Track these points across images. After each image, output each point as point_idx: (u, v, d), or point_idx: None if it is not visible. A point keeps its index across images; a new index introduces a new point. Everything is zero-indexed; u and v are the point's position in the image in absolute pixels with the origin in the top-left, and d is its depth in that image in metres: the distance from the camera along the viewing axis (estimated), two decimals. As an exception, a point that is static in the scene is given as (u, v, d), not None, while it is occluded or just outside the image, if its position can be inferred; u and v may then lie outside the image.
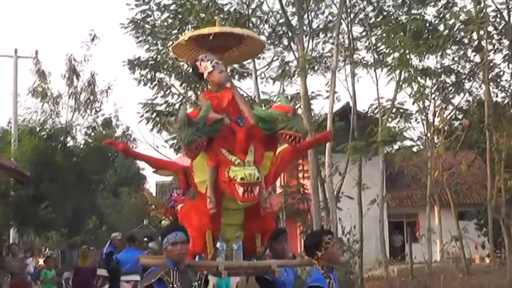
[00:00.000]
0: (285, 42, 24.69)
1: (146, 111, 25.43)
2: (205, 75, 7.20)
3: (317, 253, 6.46)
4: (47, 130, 32.51)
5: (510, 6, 24.03)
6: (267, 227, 7.20)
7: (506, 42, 24.56)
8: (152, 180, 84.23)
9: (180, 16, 24.43)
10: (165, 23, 24.88)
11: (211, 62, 7.16)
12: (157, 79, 25.69)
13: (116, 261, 17.41)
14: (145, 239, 20.00)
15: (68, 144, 33.10)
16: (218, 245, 6.77)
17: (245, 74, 25.99)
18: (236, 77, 26.00)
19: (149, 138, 34.23)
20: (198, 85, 25.04)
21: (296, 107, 18.99)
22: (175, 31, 24.70)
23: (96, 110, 33.13)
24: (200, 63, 7.24)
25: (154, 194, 31.74)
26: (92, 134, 34.10)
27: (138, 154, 8.55)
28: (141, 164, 59.64)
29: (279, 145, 7.27)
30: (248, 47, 7.68)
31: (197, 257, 6.84)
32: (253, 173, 6.31)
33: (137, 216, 50.34)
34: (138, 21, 24.81)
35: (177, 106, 25.46)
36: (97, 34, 32.58)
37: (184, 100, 25.82)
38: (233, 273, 7.18)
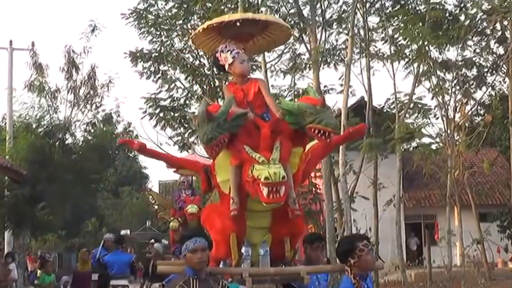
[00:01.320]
0: (297, 33, 23.67)
1: (149, 107, 24.99)
2: (226, 68, 6.75)
3: (350, 260, 6.19)
4: (44, 127, 31.66)
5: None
6: (297, 230, 6.74)
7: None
8: (155, 179, 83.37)
9: (186, 6, 23.88)
10: (170, 13, 24.30)
11: (231, 52, 6.70)
12: (161, 72, 25.16)
13: (104, 264, 16.73)
14: (152, 240, 19.91)
15: (66, 142, 32.31)
16: (243, 250, 6.41)
17: (254, 67, 25.05)
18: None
19: (152, 135, 33.48)
20: (204, 79, 24.41)
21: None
22: (180, 22, 24.41)
23: (96, 106, 32.18)
24: (220, 55, 6.79)
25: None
26: (92, 130, 33.22)
27: (156, 153, 7.79)
28: (143, 162, 59.19)
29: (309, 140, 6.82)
30: (273, 34, 7.19)
31: (221, 263, 6.52)
32: (279, 171, 5.91)
33: (139, 218, 49.79)
34: (141, 11, 24.24)
35: (182, 101, 25.22)
36: (97, 25, 31.67)
37: (189, 95, 25.18)
38: (258, 280, 6.57)
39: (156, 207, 16.34)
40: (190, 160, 8.18)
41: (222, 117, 6.08)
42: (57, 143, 31.57)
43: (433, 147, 24.55)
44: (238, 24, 6.80)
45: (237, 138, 6.28)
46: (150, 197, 16.93)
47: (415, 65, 23.73)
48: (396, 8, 24.34)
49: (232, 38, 6.91)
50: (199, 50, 24.83)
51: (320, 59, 22.53)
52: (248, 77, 6.77)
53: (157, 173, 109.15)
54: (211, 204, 7.34)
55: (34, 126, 31.49)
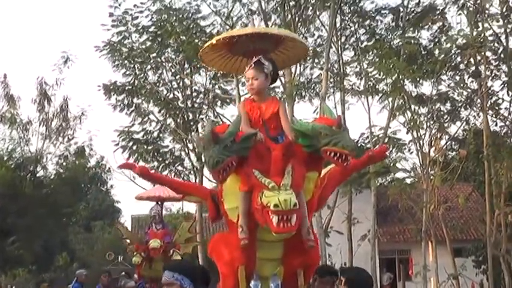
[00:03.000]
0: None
1: (122, 140, 24.59)
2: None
3: None
4: (15, 159, 31.50)
5: (508, 31, 23.00)
6: (311, 262, 6.19)
7: (504, 68, 23.57)
8: (128, 213, 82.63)
9: (160, 39, 23.67)
10: (143, 46, 24.02)
11: (249, 66, 6.15)
12: (134, 105, 24.89)
13: None
14: (123, 273, 19.65)
15: (37, 175, 32.06)
16: (252, 284, 5.95)
17: (228, 100, 24.98)
18: (218, 103, 25.01)
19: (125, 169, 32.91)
20: (177, 112, 24.28)
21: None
22: (154, 54, 24.17)
23: (68, 138, 32.04)
24: None
25: (129, 228, 30.53)
26: (64, 163, 32.90)
27: (158, 177, 7.85)
28: (116, 196, 58.63)
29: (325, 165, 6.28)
30: (288, 51, 6.53)
31: (230, 299, 6.08)
32: (289, 198, 5.42)
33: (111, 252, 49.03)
34: (115, 44, 23.98)
35: (155, 134, 24.89)
36: (70, 56, 31.52)
37: (163, 128, 24.97)
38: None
39: (128, 241, 16.17)
40: (197, 185, 7.87)
41: (230, 139, 5.64)
42: (28, 175, 31.30)
43: (408, 181, 24.44)
44: (248, 38, 6.23)
45: (247, 161, 5.80)
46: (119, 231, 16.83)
47: (390, 99, 23.63)
48: (371, 42, 24.29)
49: (244, 55, 6.42)
50: (173, 83, 24.85)
51: (295, 93, 22.44)
52: (272, 95, 6.43)
53: (130, 208, 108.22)
54: (219, 233, 6.88)
55: (5, 158, 31.19)
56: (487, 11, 22.79)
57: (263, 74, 6.10)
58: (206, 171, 19.31)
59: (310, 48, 24.49)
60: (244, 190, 5.80)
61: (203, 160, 6.77)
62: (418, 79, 22.94)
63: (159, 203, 15.44)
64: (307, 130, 5.83)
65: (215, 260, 6.15)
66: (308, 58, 24.79)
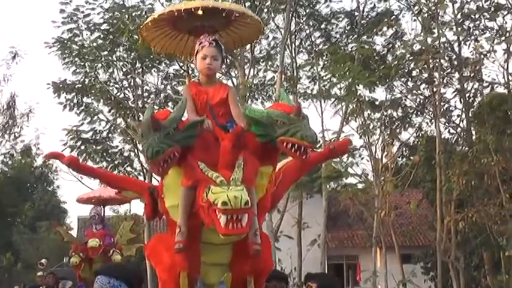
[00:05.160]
0: (224, 68, 23.32)
1: (71, 139, 24.17)
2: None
3: None
4: (-42, 157, 30.77)
5: (461, 38, 23.08)
6: (263, 268, 5.48)
7: (457, 75, 23.81)
8: (74, 214, 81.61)
9: (112, 37, 23.16)
10: (95, 44, 23.49)
11: (200, 43, 5.54)
12: (84, 104, 24.45)
13: None
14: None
15: (-19, 173, 31.35)
16: None
17: (178, 102, 24.61)
18: (170, 104, 24.72)
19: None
20: (128, 112, 23.96)
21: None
22: (105, 53, 23.65)
23: (15, 136, 31.46)
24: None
25: (76, 230, 30.05)
26: (9, 162, 32.36)
27: (90, 169, 6.76)
28: (62, 196, 57.83)
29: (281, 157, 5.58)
30: (240, 30, 5.94)
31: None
32: (240, 195, 4.68)
33: (57, 254, 48.39)
34: (65, 41, 23.41)
35: (104, 134, 24.63)
36: (19, 52, 30.95)
37: (113, 128, 24.83)
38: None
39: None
40: (133, 179, 7.16)
41: (173, 126, 5.00)
42: (-28, 174, 30.69)
43: (360, 186, 24.41)
44: (200, 12, 5.57)
45: (191, 152, 5.11)
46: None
47: (344, 103, 23.57)
48: (326, 46, 24.36)
49: (189, 32, 5.83)
50: (124, 83, 24.46)
51: (248, 94, 22.17)
52: (218, 79, 5.79)
53: (76, 208, 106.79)
54: (159, 234, 6.27)
55: None
56: (440, 18, 22.90)
57: (221, 56, 5.59)
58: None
59: (264, 51, 24.46)
60: (187, 185, 5.13)
61: (141, 150, 6.27)
62: (372, 84, 22.87)
63: (101, 205, 15.11)
64: (261, 117, 5.18)
65: (154, 264, 5.53)
66: (262, 60, 24.71)
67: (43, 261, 17.40)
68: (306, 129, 4.99)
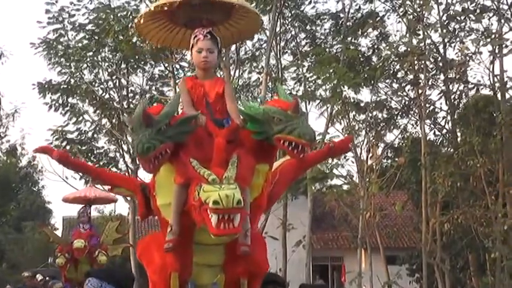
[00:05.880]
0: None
1: (56, 139, 24.17)
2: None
3: None
4: None
5: (446, 40, 23.07)
6: (258, 270, 5.24)
7: (442, 77, 23.80)
8: (59, 214, 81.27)
9: (97, 37, 23.11)
10: (80, 44, 23.47)
11: (195, 36, 5.34)
12: (69, 104, 24.43)
13: None
14: (47, 278, 18.23)
15: (-34, 173, 31.14)
16: None
17: (164, 103, 24.53)
18: (155, 105, 24.55)
19: (58, 169, 32.51)
20: (113, 112, 23.89)
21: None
22: (91, 53, 23.60)
23: (0, 136, 31.25)
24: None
25: (61, 230, 29.90)
26: (-6, 162, 32.17)
27: (81, 165, 6.69)
28: (48, 197, 57.63)
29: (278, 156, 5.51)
30: (238, 24, 5.76)
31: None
32: (232, 194, 4.50)
33: (42, 254, 48.17)
34: (51, 41, 23.44)
35: (90, 134, 24.57)
36: (4, 52, 30.81)
37: (98, 128, 24.85)
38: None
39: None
40: (125, 176, 6.95)
41: (165, 121, 4.81)
42: (-44, 174, 30.48)
43: (345, 188, 24.35)
44: (197, 4, 5.39)
45: (184, 149, 4.93)
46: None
47: (329, 104, 23.51)
48: (311, 48, 24.35)
49: (186, 26, 5.63)
50: (109, 83, 24.38)
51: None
52: (214, 72, 5.60)
53: (61, 209, 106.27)
54: (151, 234, 5.99)
55: None
56: (426, 20, 22.89)
57: (217, 48, 5.38)
58: (141, 173, 18.97)
59: (249, 52, 24.44)
60: (179, 183, 4.94)
61: (131, 146, 6.05)
62: (357, 85, 22.84)
63: (87, 205, 15.04)
64: (258, 114, 5.01)
65: (144, 265, 5.29)
66: (246, 62, 24.67)
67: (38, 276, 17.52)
68: (304, 127, 4.86)
